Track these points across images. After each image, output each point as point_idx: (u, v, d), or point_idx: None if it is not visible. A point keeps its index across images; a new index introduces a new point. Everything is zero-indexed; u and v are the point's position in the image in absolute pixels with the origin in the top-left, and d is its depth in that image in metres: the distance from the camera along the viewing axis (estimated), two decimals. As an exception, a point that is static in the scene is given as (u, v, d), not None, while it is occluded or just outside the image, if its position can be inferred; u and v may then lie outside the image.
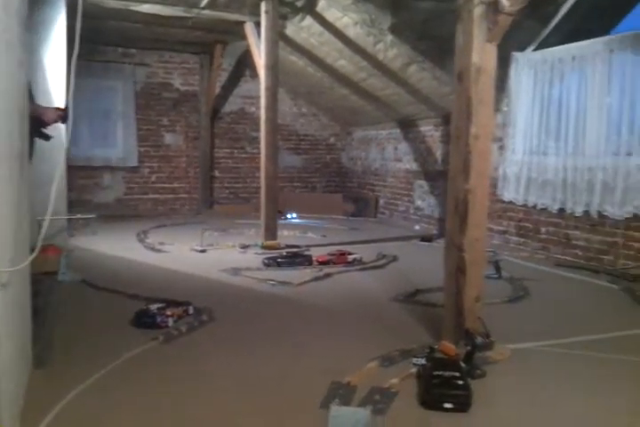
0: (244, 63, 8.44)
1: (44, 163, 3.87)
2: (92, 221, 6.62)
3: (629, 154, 4.76)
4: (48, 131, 3.25)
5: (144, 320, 3.15)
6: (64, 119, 3.17)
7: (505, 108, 6.07)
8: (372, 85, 7.28)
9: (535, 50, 5.75)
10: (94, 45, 7.70)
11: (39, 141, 3.25)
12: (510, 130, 5.97)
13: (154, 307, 3.20)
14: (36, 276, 2.76)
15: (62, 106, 3.30)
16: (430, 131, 7.39)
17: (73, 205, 6.98)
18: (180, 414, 2.22)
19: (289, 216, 8.03)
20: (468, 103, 2.79)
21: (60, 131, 4.66)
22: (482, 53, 2.73)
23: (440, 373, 2.35)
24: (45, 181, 3.34)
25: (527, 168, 5.80)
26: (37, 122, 3.04)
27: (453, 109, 2.94)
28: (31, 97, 3.08)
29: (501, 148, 6.13)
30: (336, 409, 2.17)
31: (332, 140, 9.59)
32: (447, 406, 2.24)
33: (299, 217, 8.08)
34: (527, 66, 5.81)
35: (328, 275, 4.65)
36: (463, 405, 2.25)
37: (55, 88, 5.08)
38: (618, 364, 2.78)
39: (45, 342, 2.81)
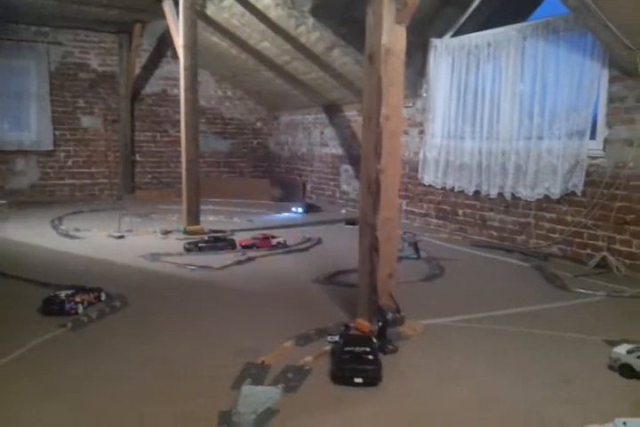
0: (165, 43, 8.19)
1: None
2: (4, 208, 6.29)
3: (540, 138, 4.97)
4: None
5: (52, 307, 3.02)
6: None
7: (424, 94, 6.20)
8: (296, 69, 7.24)
9: (453, 36, 5.89)
10: (5, 23, 7.27)
11: None
12: (430, 115, 6.11)
13: (62, 294, 3.07)
14: None
15: None
16: (354, 116, 7.45)
17: (-18, 191, 6.62)
18: (82, 400, 2.15)
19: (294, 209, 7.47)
20: (378, 84, 2.81)
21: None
22: (391, 35, 2.75)
23: (351, 348, 2.39)
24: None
25: (445, 152, 5.96)
26: None
27: (364, 91, 2.96)
28: None
29: (421, 132, 6.27)
30: (247, 389, 2.17)
31: (258, 124, 9.50)
32: (357, 380, 2.28)
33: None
34: (445, 52, 5.94)
35: (251, 259, 4.63)
36: (373, 379, 2.30)
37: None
38: (526, 337, 2.91)
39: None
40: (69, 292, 3.10)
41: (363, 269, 2.94)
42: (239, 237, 5.20)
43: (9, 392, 2.20)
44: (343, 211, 7.47)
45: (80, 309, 3.06)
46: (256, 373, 2.38)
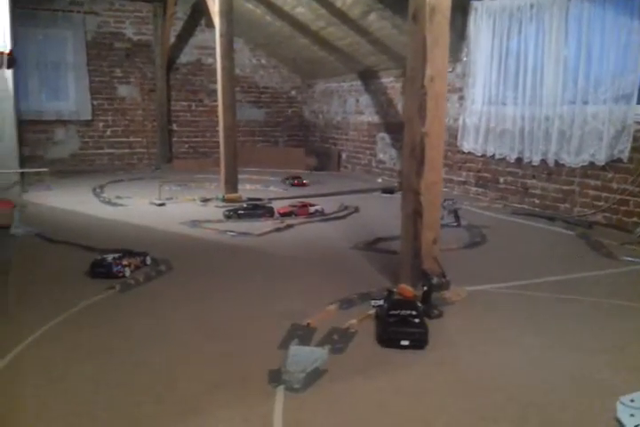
0: (199, 11, 8.13)
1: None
2: (47, 177, 6.43)
3: (585, 102, 4.79)
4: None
5: (99, 270, 3.10)
6: (10, 64, 3.00)
7: (464, 58, 6.02)
8: (331, 35, 7.11)
9: (495, -2, 5.67)
10: (40, -7, 7.28)
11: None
12: (470, 80, 5.95)
13: (109, 257, 3.14)
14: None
15: (7, 50, 3.11)
16: (391, 82, 7.31)
17: (26, 160, 6.76)
18: (136, 357, 2.21)
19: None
20: (422, 44, 2.73)
21: (5, 82, 4.44)
22: (437, -9, 2.65)
23: (397, 312, 2.38)
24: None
25: (486, 118, 5.82)
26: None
27: (408, 51, 2.88)
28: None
29: (461, 98, 6.12)
30: (295, 349, 2.19)
31: (293, 92, 9.41)
32: (404, 343, 2.28)
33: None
34: (486, 15, 5.74)
35: (290, 226, 4.64)
36: (419, 342, 2.30)
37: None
38: (572, 304, 2.86)
39: (-2, 291, 2.75)
40: (116, 255, 3.17)
41: (406, 234, 2.91)
42: (277, 205, 5.21)
43: (65, 350, 2.27)
44: (379, 180, 7.41)
45: (127, 272, 3.12)
46: (302, 334, 2.40)
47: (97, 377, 2.05)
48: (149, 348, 2.31)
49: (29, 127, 7.31)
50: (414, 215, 2.82)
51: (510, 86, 5.54)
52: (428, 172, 2.77)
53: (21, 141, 5.67)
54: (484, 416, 1.82)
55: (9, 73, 4.38)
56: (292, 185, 6.82)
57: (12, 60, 3.01)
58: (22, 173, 5.50)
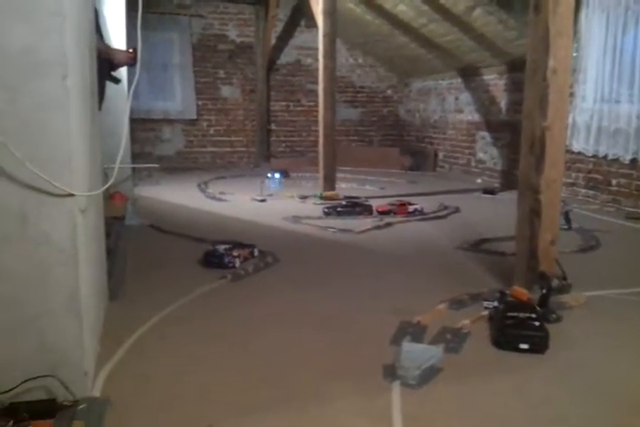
0: (299, 12, 8.25)
1: (107, 114, 3.90)
2: (155, 172, 6.76)
3: None
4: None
5: (212, 260, 3.21)
6: (134, 62, 3.16)
7: (575, 54, 5.71)
8: (432, 32, 6.99)
9: (611, -11, 5.35)
10: (150, -3, 7.66)
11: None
12: (580, 76, 5.65)
13: (221, 248, 3.24)
14: (105, 219, 2.82)
15: (131, 49, 3.29)
16: (494, 79, 7.08)
17: (135, 157, 7.12)
18: (248, 343, 2.27)
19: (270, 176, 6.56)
20: (545, 35, 2.61)
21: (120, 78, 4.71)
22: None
23: (514, 314, 2.29)
24: (108, 132, 3.39)
25: (598, 117, 5.50)
26: (108, 64, 3.04)
27: (528, 43, 2.77)
28: (101, 36, 3.08)
29: (571, 95, 5.81)
30: (408, 345, 2.15)
31: (389, 92, 9.34)
32: (523, 346, 2.18)
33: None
34: (599, 8, 5.43)
35: (389, 224, 4.60)
36: (539, 346, 2.19)
37: (115, 39, 5.09)
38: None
39: (118, 277, 2.90)
40: (227, 246, 3.26)
41: (521, 234, 2.79)
42: (375, 204, 5.18)
43: (182, 333, 2.36)
44: (479, 180, 7.20)
45: (237, 262, 3.21)
46: (413, 331, 2.36)
47: (209, 361, 2.11)
48: (261, 334, 2.35)
49: (139, 125, 7.71)
50: (531, 214, 2.70)
51: (625, 83, 5.22)
52: (549, 168, 2.64)
53: (132, 139, 5.98)
54: (609, 421, 1.70)
55: (123, 72, 4.64)
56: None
57: (135, 59, 3.16)
58: (133, 169, 5.80)
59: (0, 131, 1.50)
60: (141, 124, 7.86)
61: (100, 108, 2.91)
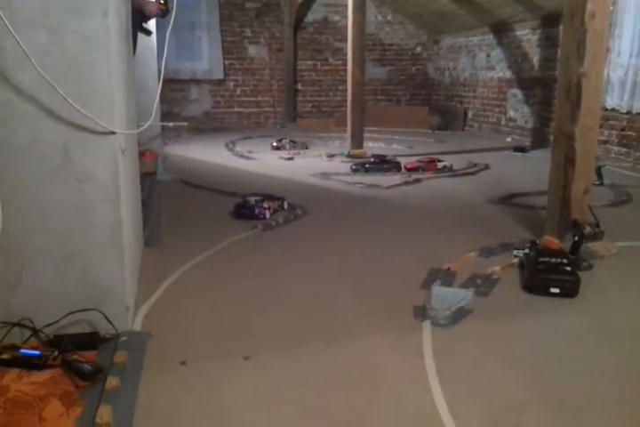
0: (328, -33, 8.04)
1: (137, 70, 3.90)
2: (183, 132, 6.80)
3: None
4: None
5: (243, 211, 3.26)
6: (165, 13, 3.16)
7: (612, 7, 5.49)
8: (465, -15, 6.77)
9: None
10: (176, -47, 7.54)
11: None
12: (616, 30, 5.44)
13: (252, 200, 3.29)
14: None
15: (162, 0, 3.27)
16: (527, 35, 6.87)
17: (164, 117, 7.15)
18: (281, 287, 2.33)
19: None
20: (586, -24, 2.52)
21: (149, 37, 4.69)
22: None
23: (546, 259, 2.29)
24: (140, 87, 3.40)
25: (634, 72, 5.33)
26: (139, 15, 3.04)
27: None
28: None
29: (606, 50, 5.62)
30: (438, 289, 2.18)
31: (418, 49, 9.14)
32: (554, 290, 2.19)
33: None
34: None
35: (418, 180, 4.59)
36: (570, 290, 2.20)
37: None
38: None
39: (153, 226, 2.97)
40: (258, 198, 3.31)
41: (555, 183, 2.76)
42: (403, 161, 5.15)
43: (217, 276, 2.44)
44: (509, 139, 7.07)
45: (267, 214, 3.26)
46: (443, 277, 2.39)
47: (246, 302, 2.18)
48: (293, 279, 2.42)
49: (166, 85, 7.65)
50: (566, 163, 2.67)
51: (665, 36, 5.01)
52: (584, 116, 2.60)
53: (160, 98, 6.02)
54: (637, 364, 1.72)
55: (152, 26, 4.61)
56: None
57: (166, 10, 3.15)
58: (162, 127, 5.84)
59: (44, 69, 1.53)
60: (169, 85, 7.83)
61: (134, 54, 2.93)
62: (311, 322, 2.00)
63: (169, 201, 3.76)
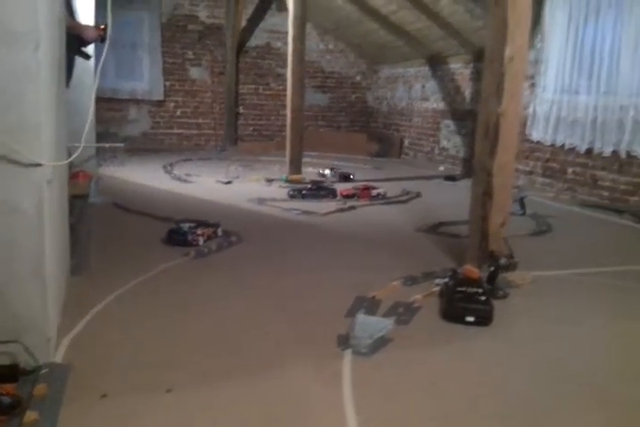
0: (271, -5, 8.22)
1: (73, 92, 3.87)
2: (120, 153, 6.72)
3: (664, 92, 4.62)
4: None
5: (176, 238, 3.26)
6: (103, 38, 3.16)
7: (538, 45, 5.89)
8: (402, 18, 7.07)
9: (573, -17, 5.51)
10: (119, -26, 7.54)
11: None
12: (542, 67, 5.82)
13: (185, 226, 3.30)
14: (69, 197, 2.85)
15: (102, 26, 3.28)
16: (460, 68, 7.22)
17: (100, 137, 7.04)
18: (207, 317, 2.35)
19: None
20: (503, 24, 2.74)
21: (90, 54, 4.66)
22: (521, -29, 2.64)
23: (463, 289, 2.42)
24: (74, 110, 3.39)
25: (557, 107, 5.68)
26: (77, 39, 3.04)
27: (488, 33, 2.88)
28: (71, 12, 3.07)
29: (532, 85, 5.99)
30: (362, 317, 2.26)
31: (358, 78, 9.42)
32: (469, 319, 2.32)
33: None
34: (562, 1, 5.59)
35: (352, 207, 4.71)
36: (485, 319, 2.33)
37: (85, 15, 5.03)
38: (635, 292, 2.82)
39: (81, 253, 2.94)
40: (191, 225, 3.32)
41: (474, 215, 2.93)
42: (339, 188, 5.28)
43: (144, 306, 2.44)
44: (441, 168, 7.36)
45: (201, 241, 3.28)
46: (368, 305, 2.48)
47: (171, 332, 2.19)
48: (222, 307, 2.44)
49: (104, 105, 7.62)
50: (484, 196, 2.84)
51: (584, 75, 5.39)
52: (501, 152, 2.78)
53: (97, 119, 5.93)
54: (553, 391, 1.85)
55: (90, 49, 4.59)
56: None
57: (105, 36, 3.17)
58: (97, 149, 5.77)
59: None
60: (107, 104, 7.77)
61: (68, 85, 2.92)
62: (236, 353, 2.03)
63: (100, 225, 3.72)
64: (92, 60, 4.75)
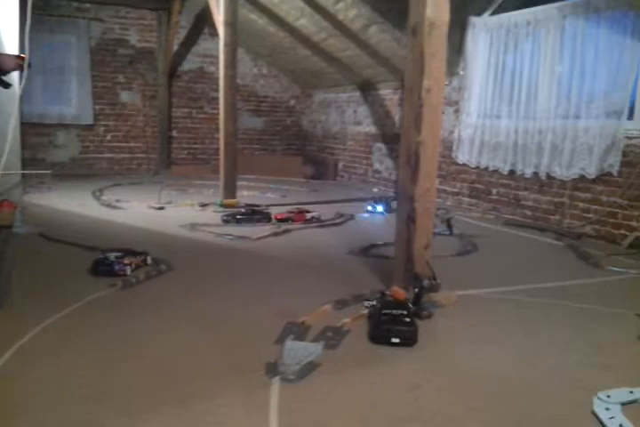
0: (203, 20, 8.28)
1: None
2: (47, 180, 6.52)
3: (577, 117, 4.93)
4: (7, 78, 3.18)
5: (102, 268, 3.19)
6: (22, 68, 3.10)
7: (461, 72, 6.18)
8: (332, 46, 7.27)
9: (492, 14, 5.84)
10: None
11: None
12: (466, 93, 6.10)
13: (112, 256, 3.24)
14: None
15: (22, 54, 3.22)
16: (389, 94, 7.46)
17: (27, 163, 6.81)
18: (135, 350, 2.30)
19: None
20: (421, 57, 2.87)
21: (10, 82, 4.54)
22: (435, 7, 2.80)
23: (389, 311, 2.49)
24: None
25: (481, 131, 5.96)
26: (-4, 69, 2.97)
27: (406, 64, 3.01)
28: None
29: (457, 111, 6.27)
30: (290, 344, 2.29)
31: (292, 102, 9.56)
32: (394, 340, 2.38)
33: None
34: (484, 30, 5.90)
35: (287, 231, 4.75)
36: (409, 340, 2.40)
37: (7, 41, 4.91)
38: (559, 309, 2.96)
39: (3, 286, 2.83)
40: (118, 254, 3.26)
41: (399, 239, 3.02)
42: (274, 211, 5.32)
43: (74, 340, 2.37)
44: (375, 189, 7.54)
45: (128, 270, 3.22)
46: (297, 331, 2.50)
47: (99, 367, 2.14)
48: (150, 340, 2.40)
49: (31, 130, 7.40)
50: (408, 221, 2.94)
51: (505, 100, 5.69)
52: (422, 179, 2.89)
53: (23, 144, 5.74)
54: (471, 408, 1.92)
55: (14, 75, 4.49)
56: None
57: (23, 65, 3.11)
58: (23, 175, 5.58)
59: None
60: (34, 129, 7.55)
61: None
62: (164, 384, 2.01)
63: (24, 256, 3.59)
64: (16, 86, 4.64)
